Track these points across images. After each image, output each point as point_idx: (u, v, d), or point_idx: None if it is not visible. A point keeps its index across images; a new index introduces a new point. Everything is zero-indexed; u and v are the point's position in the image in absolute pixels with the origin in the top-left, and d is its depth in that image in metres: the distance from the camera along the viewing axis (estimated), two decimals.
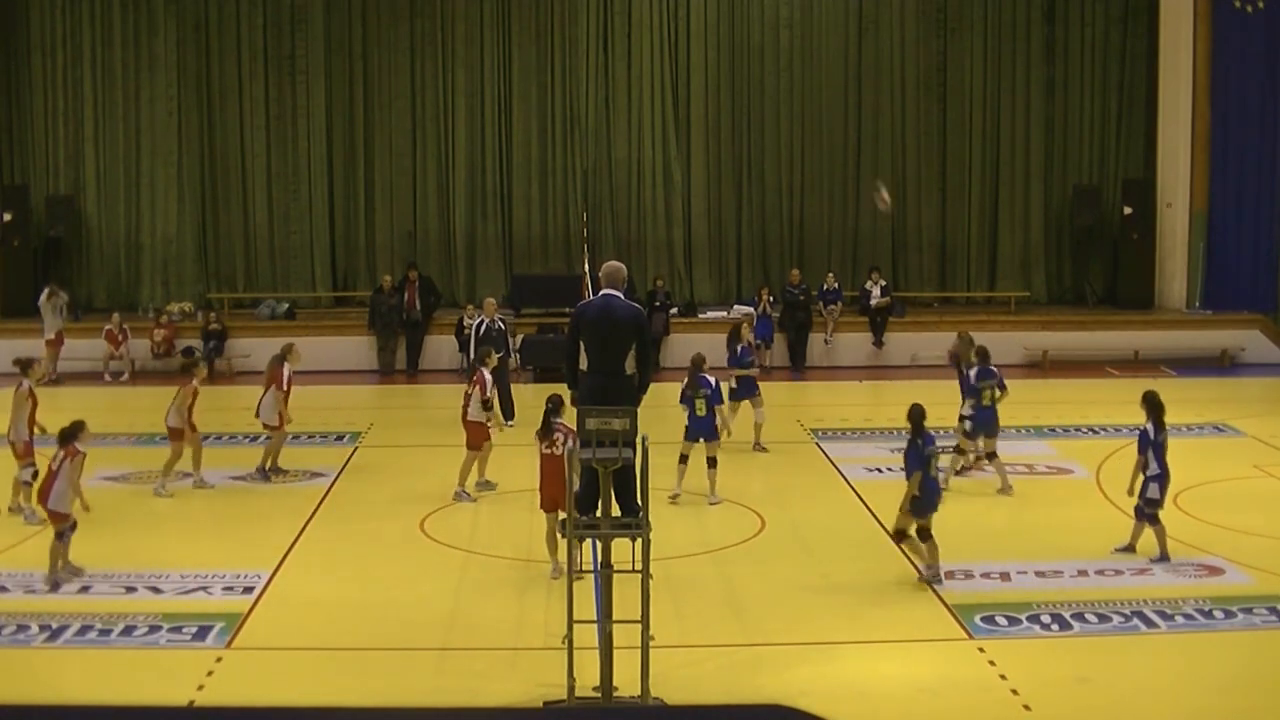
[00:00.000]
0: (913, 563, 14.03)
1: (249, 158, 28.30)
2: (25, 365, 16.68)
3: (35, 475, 15.68)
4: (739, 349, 19.49)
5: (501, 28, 28.29)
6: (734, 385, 19.28)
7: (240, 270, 28.54)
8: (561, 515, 13.67)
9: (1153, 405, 14.67)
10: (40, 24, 28.01)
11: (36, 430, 16.18)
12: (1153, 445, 14.49)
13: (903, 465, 14.19)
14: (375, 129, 28.38)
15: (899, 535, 13.90)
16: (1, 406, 16.96)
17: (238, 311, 27.90)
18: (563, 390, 12.55)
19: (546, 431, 13.95)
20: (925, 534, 13.79)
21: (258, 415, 18.07)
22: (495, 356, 17.97)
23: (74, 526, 14.04)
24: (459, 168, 28.39)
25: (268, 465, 18.03)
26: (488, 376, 17.25)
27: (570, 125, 28.34)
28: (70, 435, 14.27)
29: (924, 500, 13.77)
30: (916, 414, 14.06)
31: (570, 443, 13.47)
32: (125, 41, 28.11)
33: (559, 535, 13.26)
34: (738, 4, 28.43)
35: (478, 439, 16.96)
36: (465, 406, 17.08)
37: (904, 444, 18.92)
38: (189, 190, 28.20)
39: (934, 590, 13.63)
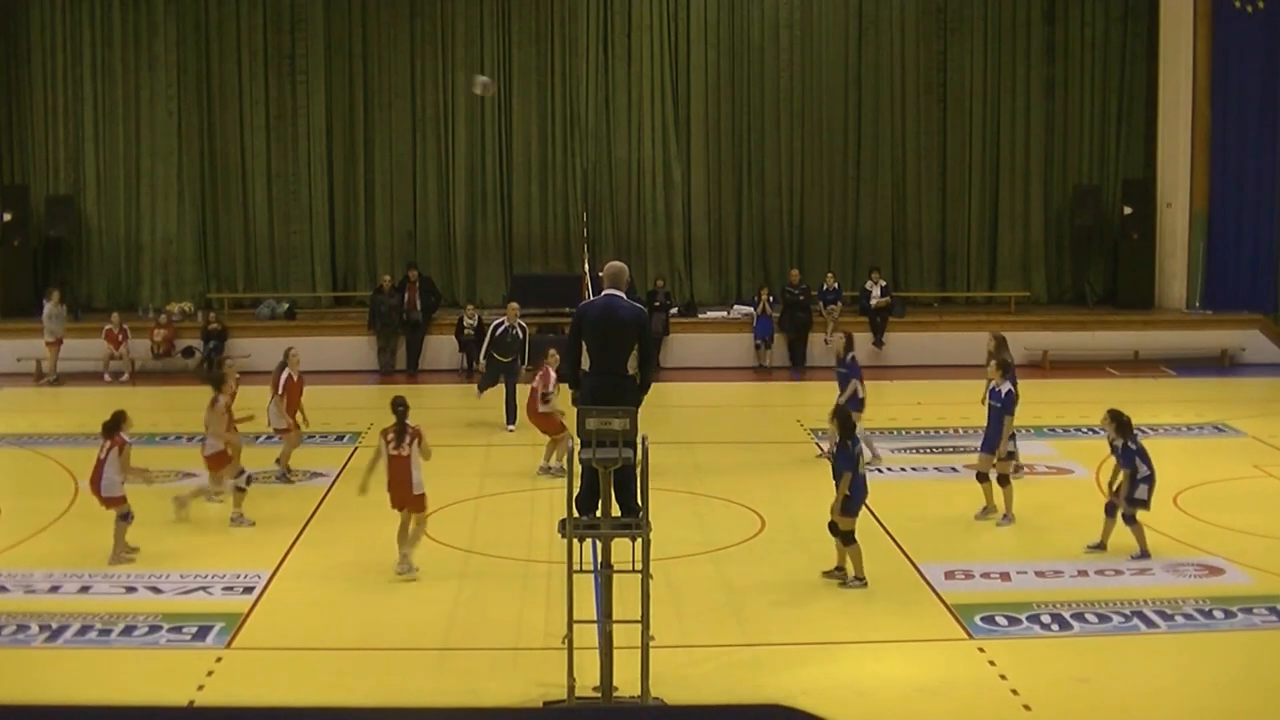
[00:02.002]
0: (842, 564, 13.98)
1: (249, 158, 28.30)
2: (218, 382, 16.83)
3: (249, 480, 16.15)
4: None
5: (501, 28, 28.28)
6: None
7: (240, 270, 28.54)
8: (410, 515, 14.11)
9: (1122, 424, 14.69)
10: (40, 24, 28.01)
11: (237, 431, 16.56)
12: (1137, 453, 14.56)
13: (835, 467, 14.02)
14: (375, 129, 28.38)
15: (846, 537, 13.87)
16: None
17: (238, 311, 27.89)
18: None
19: (398, 433, 14.14)
20: (850, 537, 13.84)
21: (269, 423, 18.10)
22: (555, 354, 18.33)
23: (130, 515, 14.60)
24: (459, 168, 28.39)
25: (284, 466, 18.17)
26: (553, 372, 17.95)
27: (570, 125, 28.34)
28: (113, 427, 14.72)
29: (854, 500, 13.85)
30: (844, 415, 14.17)
31: (418, 444, 14.06)
32: (125, 41, 28.11)
33: (410, 530, 14.15)
34: (738, 4, 28.43)
35: (553, 427, 17.97)
36: (530, 403, 18.17)
37: (904, 444, 18.94)
38: (189, 190, 28.20)
39: (934, 590, 13.65)
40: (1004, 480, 16.04)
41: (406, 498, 14.13)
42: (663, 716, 6.94)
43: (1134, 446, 14.61)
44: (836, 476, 13.90)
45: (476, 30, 28.27)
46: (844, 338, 19.07)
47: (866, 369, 26.03)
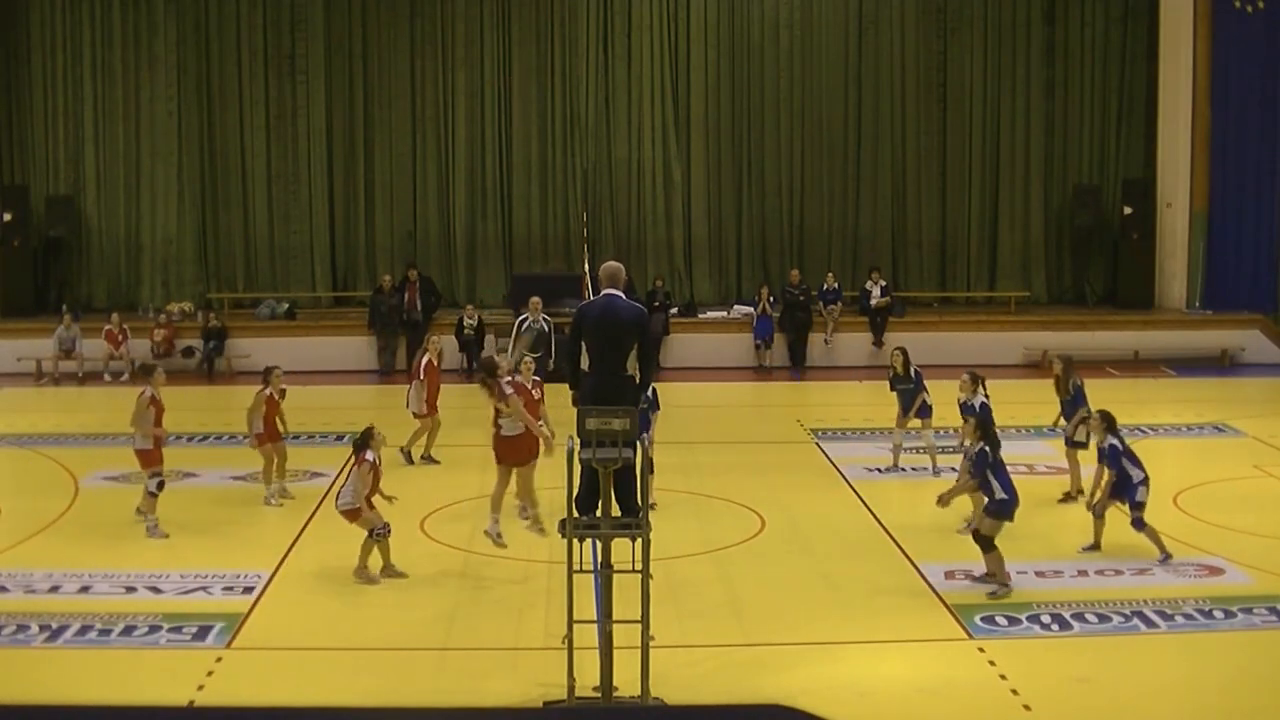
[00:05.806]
0: (993, 571, 13.82)
1: (249, 158, 28.30)
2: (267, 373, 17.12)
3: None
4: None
5: (501, 28, 28.29)
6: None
7: (240, 270, 28.54)
8: None
9: (1111, 422, 14.64)
10: (40, 24, 28.01)
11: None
12: (1124, 455, 14.52)
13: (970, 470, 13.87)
14: (375, 129, 28.38)
15: (986, 543, 13.66)
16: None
17: (238, 311, 27.90)
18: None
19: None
20: (990, 544, 13.66)
21: (407, 405, 18.94)
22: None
23: (387, 529, 14.16)
24: (459, 168, 28.40)
25: (409, 448, 18.86)
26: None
27: (570, 125, 28.35)
28: (361, 444, 14.30)
29: (1004, 506, 13.65)
30: (985, 422, 13.96)
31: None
32: (125, 41, 28.11)
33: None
34: (738, 4, 28.44)
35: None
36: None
37: (905, 444, 18.85)
38: (189, 190, 28.20)
39: (934, 590, 13.64)
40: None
41: None
42: (663, 716, 6.95)
43: (1120, 446, 14.59)
44: (983, 485, 13.69)
45: (476, 30, 28.28)
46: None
47: (866, 369, 26.27)
